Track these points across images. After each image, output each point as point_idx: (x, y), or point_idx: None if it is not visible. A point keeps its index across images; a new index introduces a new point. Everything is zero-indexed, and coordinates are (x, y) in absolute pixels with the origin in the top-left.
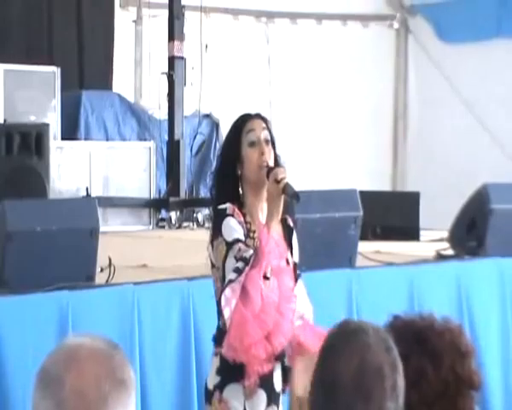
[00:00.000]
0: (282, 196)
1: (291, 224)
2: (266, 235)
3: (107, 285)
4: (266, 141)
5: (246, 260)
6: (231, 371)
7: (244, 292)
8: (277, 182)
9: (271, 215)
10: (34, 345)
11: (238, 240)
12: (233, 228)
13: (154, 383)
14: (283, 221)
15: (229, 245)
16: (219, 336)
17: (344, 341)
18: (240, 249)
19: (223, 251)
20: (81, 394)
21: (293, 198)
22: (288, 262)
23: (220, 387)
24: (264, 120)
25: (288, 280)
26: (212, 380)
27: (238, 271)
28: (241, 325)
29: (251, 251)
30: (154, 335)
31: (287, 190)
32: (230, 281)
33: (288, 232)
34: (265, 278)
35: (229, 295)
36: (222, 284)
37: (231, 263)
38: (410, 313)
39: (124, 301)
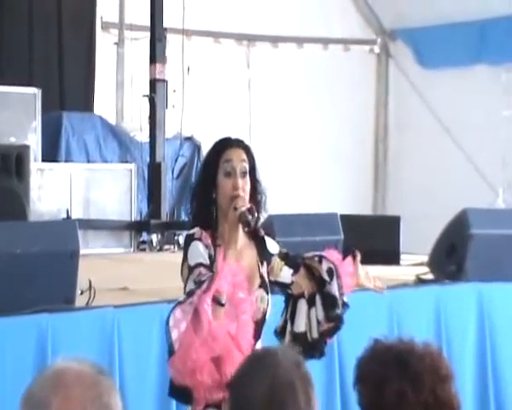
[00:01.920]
0: (240, 225)
1: (261, 233)
2: (221, 262)
3: (88, 308)
4: (243, 173)
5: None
6: (181, 394)
7: (196, 315)
8: (235, 209)
9: (229, 243)
10: (13, 368)
11: (200, 264)
12: (198, 253)
13: (135, 405)
14: (255, 234)
15: (191, 269)
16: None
17: (254, 366)
18: (200, 273)
19: (185, 275)
20: None
21: (244, 226)
22: (262, 279)
23: None
24: (245, 148)
25: (246, 311)
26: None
27: (190, 293)
28: (186, 347)
29: (210, 275)
30: (135, 358)
31: (241, 217)
32: (179, 303)
33: (261, 246)
34: (220, 304)
35: (180, 317)
36: None
37: (191, 287)
38: (391, 336)
39: (104, 324)
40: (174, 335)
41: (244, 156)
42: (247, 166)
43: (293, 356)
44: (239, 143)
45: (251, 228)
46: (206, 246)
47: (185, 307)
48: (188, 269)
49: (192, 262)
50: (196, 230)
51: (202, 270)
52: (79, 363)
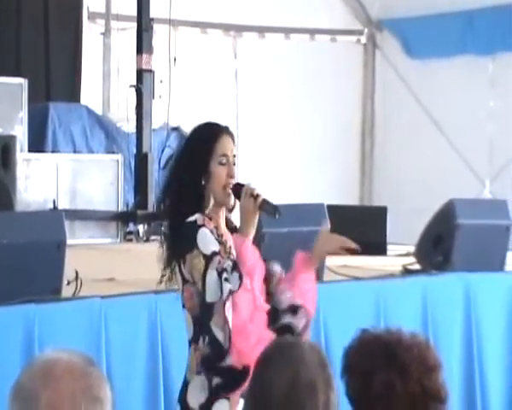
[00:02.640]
0: (258, 212)
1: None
2: (251, 249)
3: (74, 298)
4: (233, 164)
5: (228, 270)
6: (236, 382)
7: (232, 303)
8: (254, 197)
9: (247, 230)
10: (0, 358)
11: (216, 253)
12: (209, 240)
13: (122, 396)
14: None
15: (208, 258)
16: (214, 353)
17: (279, 354)
18: (219, 262)
19: (200, 264)
20: None
21: (273, 214)
22: None
23: (207, 406)
24: (232, 135)
25: (261, 300)
26: (197, 399)
27: (231, 282)
28: (240, 330)
29: (229, 261)
30: (122, 348)
31: (265, 206)
32: (231, 291)
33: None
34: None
35: (229, 306)
36: (200, 297)
37: (214, 275)
38: (378, 327)
39: (91, 315)
40: (230, 322)
41: (233, 144)
42: (235, 157)
43: (320, 355)
44: (228, 131)
45: (279, 214)
46: (211, 231)
47: (228, 297)
48: (203, 258)
49: (207, 251)
50: (198, 216)
51: (220, 258)
52: (69, 354)
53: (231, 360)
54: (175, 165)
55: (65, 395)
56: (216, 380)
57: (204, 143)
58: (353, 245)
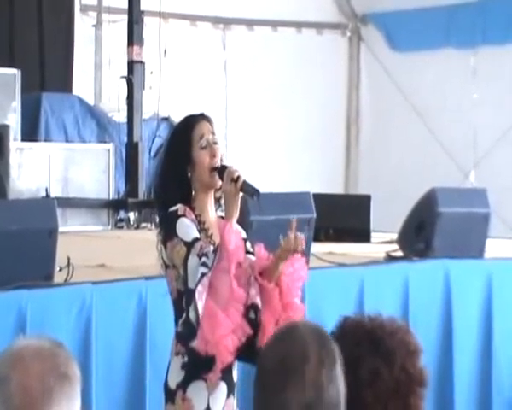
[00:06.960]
0: (240, 194)
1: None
2: (231, 231)
3: (66, 284)
4: (214, 143)
5: (209, 255)
6: (199, 366)
7: (210, 286)
8: (234, 181)
9: (230, 214)
10: None
11: (197, 239)
12: (189, 227)
13: (109, 381)
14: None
15: (190, 245)
16: (187, 333)
17: (276, 335)
18: (201, 247)
19: (181, 251)
20: (26, 389)
21: (253, 196)
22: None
23: (183, 386)
24: (209, 120)
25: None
26: (175, 379)
27: (207, 265)
28: (211, 317)
29: (211, 247)
30: (111, 333)
31: (245, 188)
32: (203, 274)
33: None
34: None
35: (201, 290)
36: (181, 282)
37: (194, 261)
38: (359, 313)
39: (82, 300)
40: (200, 307)
41: (212, 128)
42: (216, 136)
43: (319, 332)
44: (204, 117)
45: (258, 196)
46: (192, 221)
47: (205, 280)
48: (184, 245)
49: (188, 238)
50: (179, 206)
51: (202, 244)
52: (37, 339)
53: (195, 344)
54: (161, 160)
55: (34, 375)
56: (185, 359)
57: (182, 135)
58: None
